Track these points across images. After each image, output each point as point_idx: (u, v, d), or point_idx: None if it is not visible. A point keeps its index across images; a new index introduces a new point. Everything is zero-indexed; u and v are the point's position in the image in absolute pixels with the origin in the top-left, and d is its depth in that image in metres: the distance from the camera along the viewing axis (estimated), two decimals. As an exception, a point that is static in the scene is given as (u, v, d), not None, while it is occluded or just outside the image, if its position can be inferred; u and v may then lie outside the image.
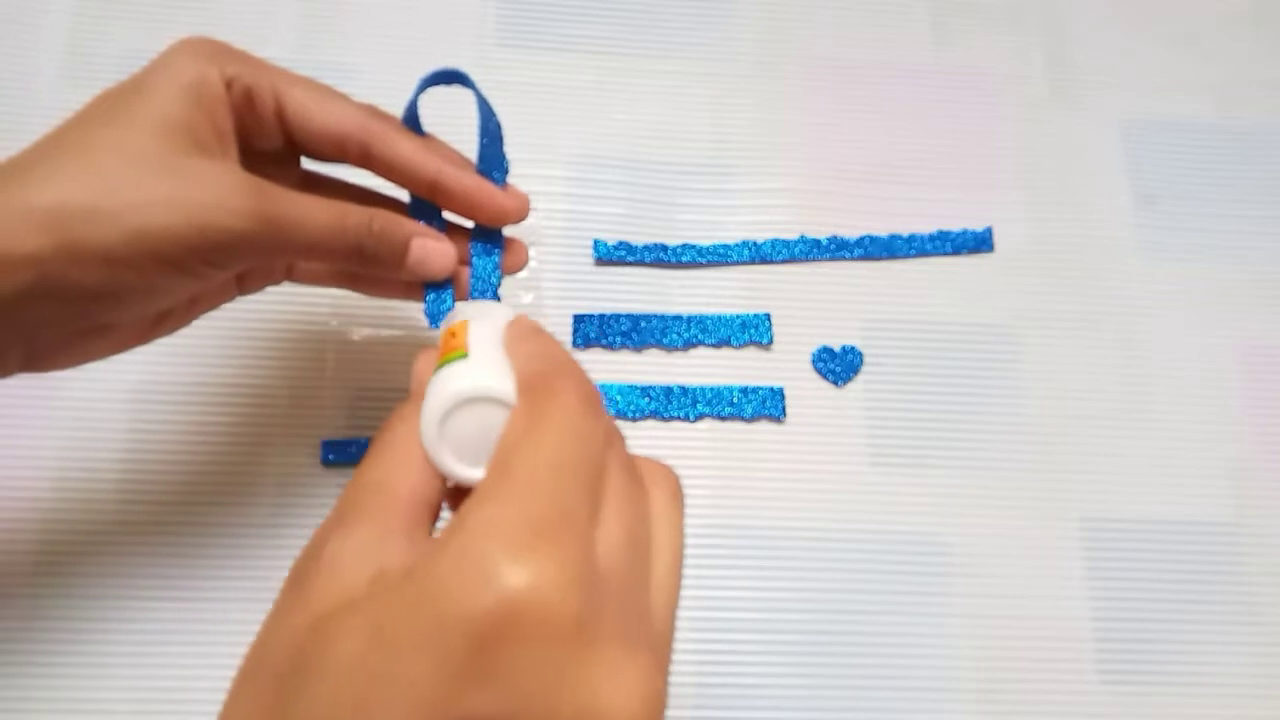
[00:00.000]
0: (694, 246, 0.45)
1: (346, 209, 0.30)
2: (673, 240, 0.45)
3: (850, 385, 0.43)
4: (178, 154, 0.27)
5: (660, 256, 0.44)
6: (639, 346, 0.43)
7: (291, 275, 0.35)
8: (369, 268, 0.31)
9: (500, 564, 0.19)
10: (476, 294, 0.33)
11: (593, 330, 0.43)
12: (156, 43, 0.46)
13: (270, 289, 0.41)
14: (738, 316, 0.44)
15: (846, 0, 0.50)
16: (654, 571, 0.23)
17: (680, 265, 0.44)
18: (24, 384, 0.40)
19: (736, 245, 0.45)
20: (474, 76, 0.45)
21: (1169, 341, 0.45)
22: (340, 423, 0.41)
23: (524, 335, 0.26)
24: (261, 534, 0.39)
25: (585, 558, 0.20)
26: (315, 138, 0.31)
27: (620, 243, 0.44)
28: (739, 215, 0.45)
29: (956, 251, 0.46)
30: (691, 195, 0.46)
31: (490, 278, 0.33)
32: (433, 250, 0.32)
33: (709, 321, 0.44)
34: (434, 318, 0.33)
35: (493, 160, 0.33)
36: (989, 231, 0.46)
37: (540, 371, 0.24)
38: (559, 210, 0.45)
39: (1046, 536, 0.42)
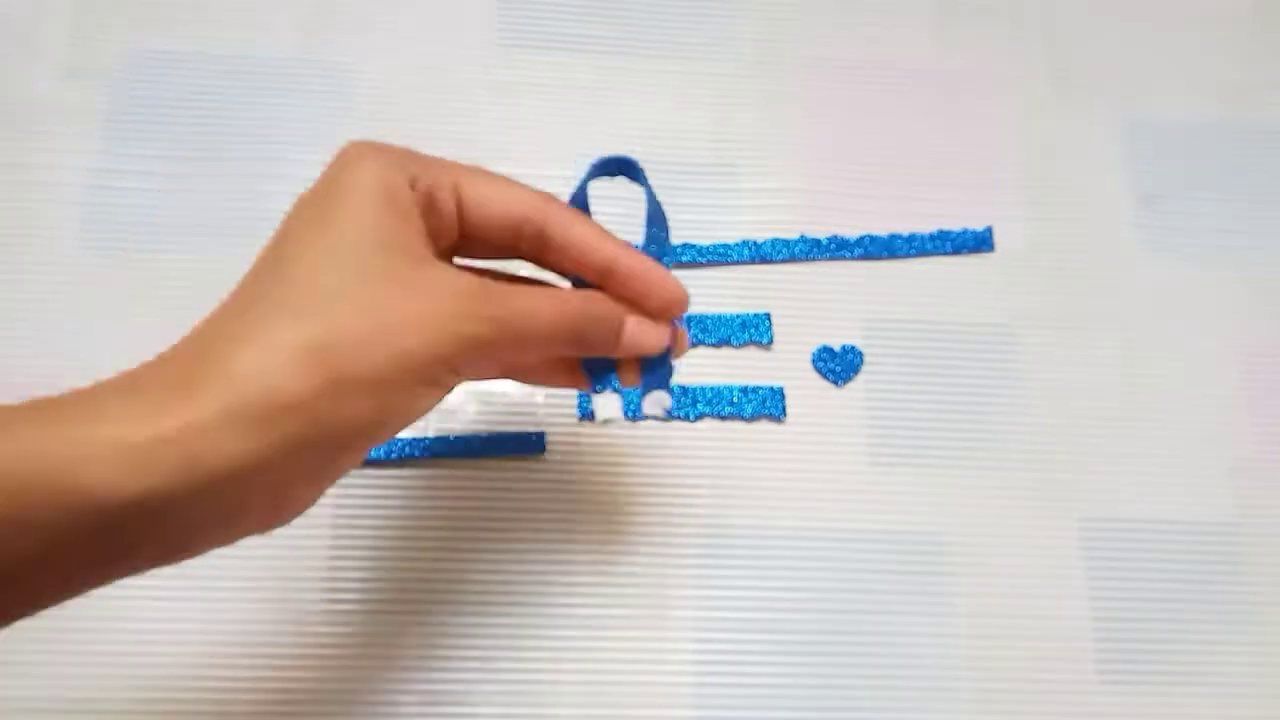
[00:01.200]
0: (694, 246, 0.45)
1: (564, 295, 0.30)
2: (673, 240, 0.45)
3: (850, 385, 0.43)
4: (406, 269, 0.27)
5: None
6: (639, 346, 0.43)
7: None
8: (581, 352, 0.31)
9: None
10: (648, 385, 0.33)
11: (593, 330, 0.43)
12: (157, 43, 0.47)
13: None
14: (738, 316, 0.44)
15: (847, 0, 0.50)
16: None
17: (680, 265, 0.44)
18: (25, 383, 0.40)
19: (737, 245, 0.45)
20: (474, 76, 0.46)
21: (1169, 341, 0.45)
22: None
23: None
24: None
25: None
26: (494, 224, 0.30)
27: (620, 243, 0.44)
28: (739, 215, 0.45)
29: (956, 251, 0.46)
30: (692, 195, 0.46)
31: (662, 369, 0.33)
32: (648, 329, 0.31)
33: (709, 321, 0.44)
34: (600, 409, 0.33)
35: (659, 249, 0.33)
36: (989, 231, 0.46)
37: None
38: (559, 210, 0.45)
39: (1046, 536, 0.42)
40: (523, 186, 0.30)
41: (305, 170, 0.44)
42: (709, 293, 0.44)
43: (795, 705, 0.39)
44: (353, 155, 0.28)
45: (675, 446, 0.42)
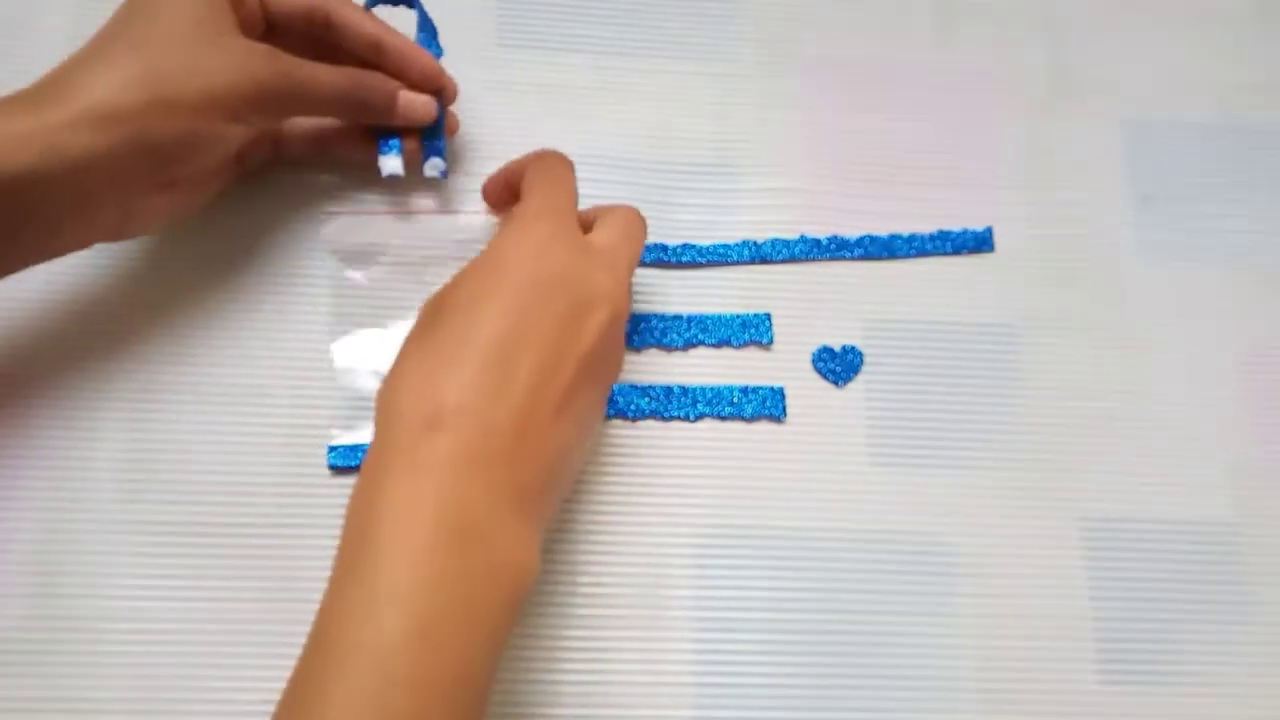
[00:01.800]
0: (694, 246, 0.45)
1: (344, 68, 0.39)
2: (673, 240, 0.45)
3: (850, 385, 0.43)
4: (217, 36, 0.36)
5: (660, 256, 0.44)
6: (639, 346, 0.43)
7: (281, 147, 0.43)
8: (362, 117, 0.41)
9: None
10: (426, 154, 0.42)
11: (593, 330, 0.43)
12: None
13: (270, 294, 0.42)
14: (738, 316, 0.44)
15: (847, 0, 0.50)
16: (627, 256, 0.37)
17: (680, 265, 0.44)
18: (25, 382, 0.40)
19: (736, 245, 0.45)
20: (474, 76, 0.46)
21: (1169, 341, 0.45)
22: (340, 424, 0.41)
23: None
24: (262, 534, 0.39)
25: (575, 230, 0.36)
26: (289, 10, 0.39)
27: (620, 243, 0.44)
28: (739, 215, 0.45)
29: (956, 251, 0.46)
30: (692, 195, 0.46)
31: (437, 141, 0.42)
32: (416, 101, 0.41)
33: (709, 321, 0.44)
34: (383, 165, 0.42)
35: (429, 44, 0.42)
36: (989, 231, 0.46)
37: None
38: (559, 210, 0.45)
39: (1047, 536, 0.42)
40: None
41: (304, 171, 0.44)
42: (709, 293, 0.44)
43: (795, 705, 0.39)
44: None
45: (675, 446, 0.42)
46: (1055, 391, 0.44)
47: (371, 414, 0.32)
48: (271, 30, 0.39)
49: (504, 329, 0.32)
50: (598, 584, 0.40)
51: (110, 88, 0.33)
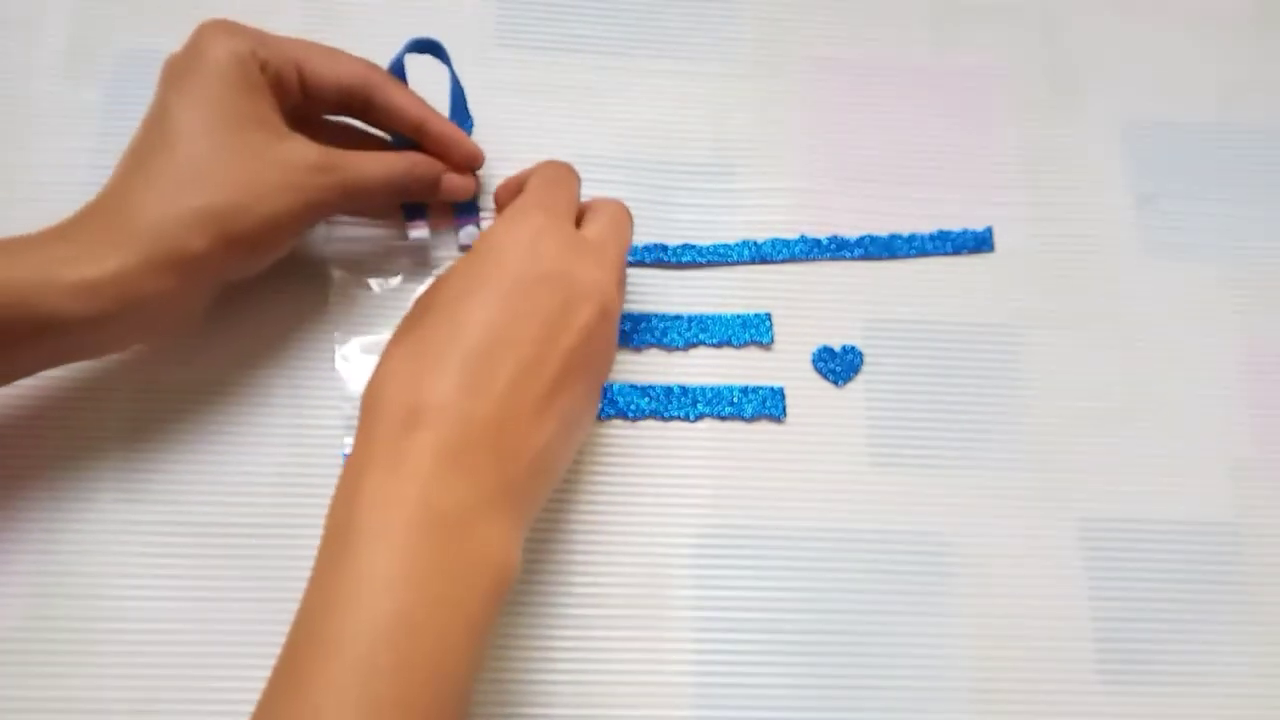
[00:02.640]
0: (694, 246, 0.45)
1: (390, 159, 0.40)
2: (673, 240, 0.45)
3: (850, 385, 0.43)
4: (266, 144, 0.36)
5: (660, 256, 0.44)
6: (639, 346, 0.43)
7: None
8: (404, 199, 0.42)
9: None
10: (461, 223, 0.43)
11: (593, 330, 0.43)
12: (156, 43, 0.46)
13: (273, 295, 0.42)
14: (738, 316, 0.44)
15: (847, 0, 0.50)
16: (616, 250, 0.37)
17: (680, 265, 0.44)
18: (25, 383, 0.40)
19: (736, 245, 0.45)
20: (474, 76, 0.46)
21: (1169, 341, 0.45)
22: (342, 426, 0.41)
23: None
24: (262, 534, 0.39)
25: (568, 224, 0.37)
26: (329, 92, 0.38)
27: (620, 243, 0.44)
28: (739, 215, 0.45)
29: (956, 251, 0.46)
30: (691, 195, 0.46)
31: (471, 209, 0.43)
32: (458, 181, 0.42)
33: (709, 321, 0.44)
34: (411, 232, 0.43)
35: (461, 115, 0.43)
36: (989, 231, 0.46)
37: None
38: (559, 210, 0.45)
39: (1046, 536, 0.42)
40: (352, 58, 0.39)
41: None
42: (709, 293, 0.44)
43: (795, 705, 0.39)
44: (206, 43, 0.36)
45: (675, 446, 0.42)
46: (1055, 391, 0.44)
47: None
48: (308, 97, 0.39)
49: (489, 324, 0.32)
50: (597, 584, 0.40)
51: (177, 230, 0.33)
